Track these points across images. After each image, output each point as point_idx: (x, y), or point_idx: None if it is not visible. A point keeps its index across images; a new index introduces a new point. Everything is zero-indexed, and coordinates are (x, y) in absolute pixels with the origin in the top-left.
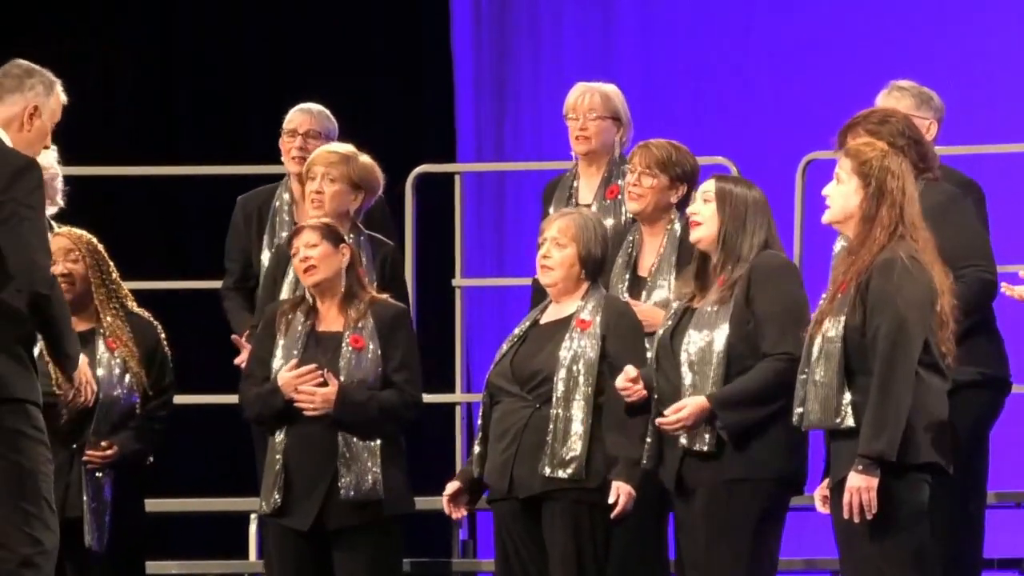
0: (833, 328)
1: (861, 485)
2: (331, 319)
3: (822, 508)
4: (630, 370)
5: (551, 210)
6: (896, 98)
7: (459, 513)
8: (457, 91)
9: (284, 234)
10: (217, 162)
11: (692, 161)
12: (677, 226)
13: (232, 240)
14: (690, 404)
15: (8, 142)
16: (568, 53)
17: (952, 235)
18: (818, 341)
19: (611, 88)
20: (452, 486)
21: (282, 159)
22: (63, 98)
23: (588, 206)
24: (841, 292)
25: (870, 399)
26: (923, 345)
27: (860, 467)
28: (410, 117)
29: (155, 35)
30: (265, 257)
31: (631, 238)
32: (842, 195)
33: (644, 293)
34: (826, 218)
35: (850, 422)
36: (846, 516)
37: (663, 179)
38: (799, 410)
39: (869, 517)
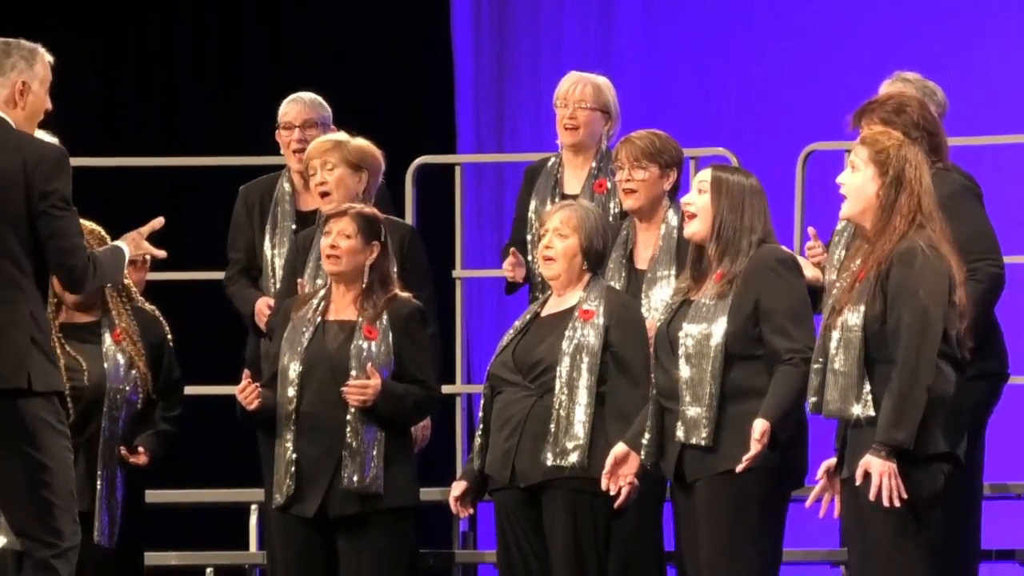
0: (853, 317)
1: (885, 470)
2: (343, 308)
3: (822, 490)
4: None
5: (533, 196)
6: (899, 88)
7: (466, 512)
8: (457, 82)
9: (287, 224)
10: (219, 153)
11: (676, 146)
12: (672, 217)
13: (235, 230)
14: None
15: (12, 124)
16: (568, 43)
17: (964, 226)
18: (837, 330)
19: (603, 80)
20: (459, 486)
21: (281, 152)
22: (49, 58)
23: (574, 198)
24: (859, 281)
25: (893, 388)
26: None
27: (883, 452)
28: (410, 108)
29: (156, 27)
30: (268, 248)
31: (625, 232)
32: (858, 183)
33: (644, 286)
34: (843, 213)
35: (871, 412)
36: (873, 497)
37: (653, 169)
38: (813, 399)
39: (898, 503)
